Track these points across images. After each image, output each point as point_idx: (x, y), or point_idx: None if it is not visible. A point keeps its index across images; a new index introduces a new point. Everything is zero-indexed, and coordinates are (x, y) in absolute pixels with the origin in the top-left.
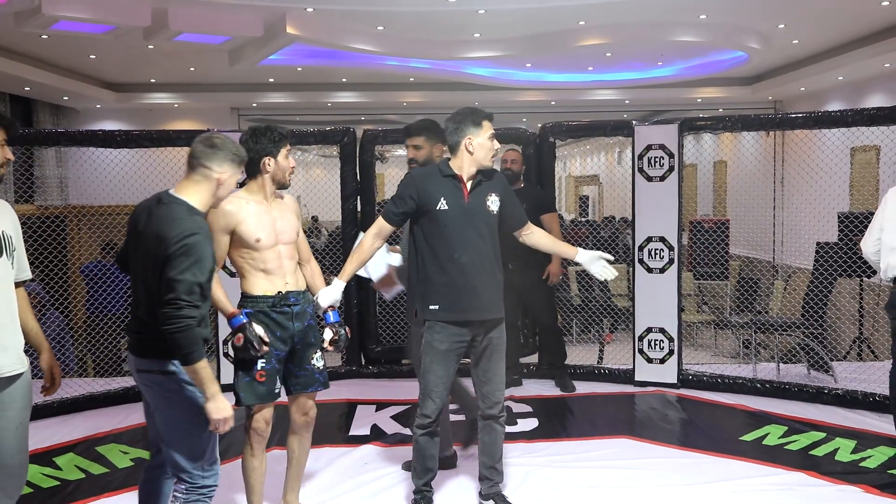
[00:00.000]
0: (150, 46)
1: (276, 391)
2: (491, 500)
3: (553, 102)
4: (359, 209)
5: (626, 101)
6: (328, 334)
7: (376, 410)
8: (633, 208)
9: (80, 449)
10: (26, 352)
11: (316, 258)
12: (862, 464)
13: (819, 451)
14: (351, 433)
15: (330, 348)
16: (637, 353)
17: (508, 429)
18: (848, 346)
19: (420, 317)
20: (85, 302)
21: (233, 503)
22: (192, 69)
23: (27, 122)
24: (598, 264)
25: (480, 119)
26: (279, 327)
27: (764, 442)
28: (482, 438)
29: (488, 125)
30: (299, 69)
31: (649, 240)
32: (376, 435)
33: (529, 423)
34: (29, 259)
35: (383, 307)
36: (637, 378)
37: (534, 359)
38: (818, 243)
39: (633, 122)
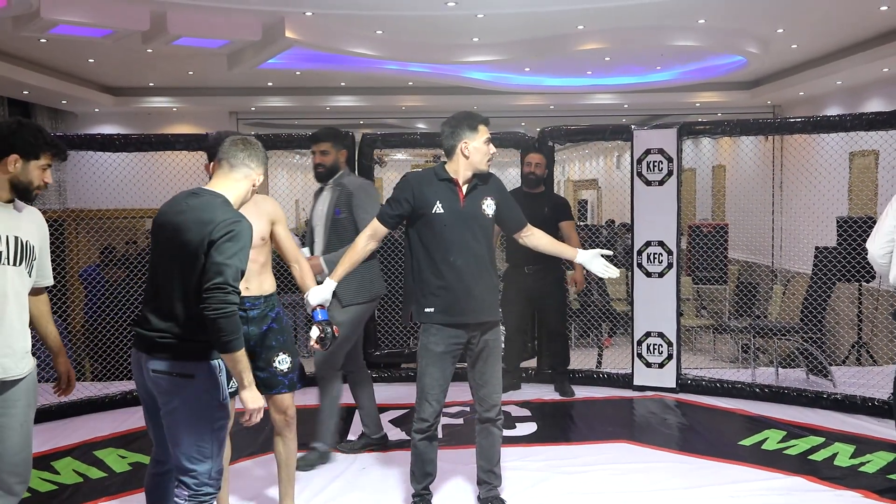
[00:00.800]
0: (149, 50)
1: (230, 390)
2: None
3: (552, 106)
4: None
5: (625, 106)
6: (315, 332)
7: None
8: (631, 212)
9: (77, 453)
10: (33, 354)
11: None
12: (861, 469)
13: (818, 456)
14: (349, 438)
15: (316, 346)
16: (636, 358)
17: (507, 433)
18: (847, 350)
19: (415, 319)
20: (83, 307)
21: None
22: (190, 73)
23: None
24: (598, 262)
25: (476, 123)
26: None
27: (763, 446)
28: (480, 442)
29: (484, 129)
30: (298, 73)
31: (648, 244)
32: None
33: (528, 428)
34: None
35: (382, 312)
36: (636, 382)
37: (532, 363)
38: (817, 248)
39: (632, 127)
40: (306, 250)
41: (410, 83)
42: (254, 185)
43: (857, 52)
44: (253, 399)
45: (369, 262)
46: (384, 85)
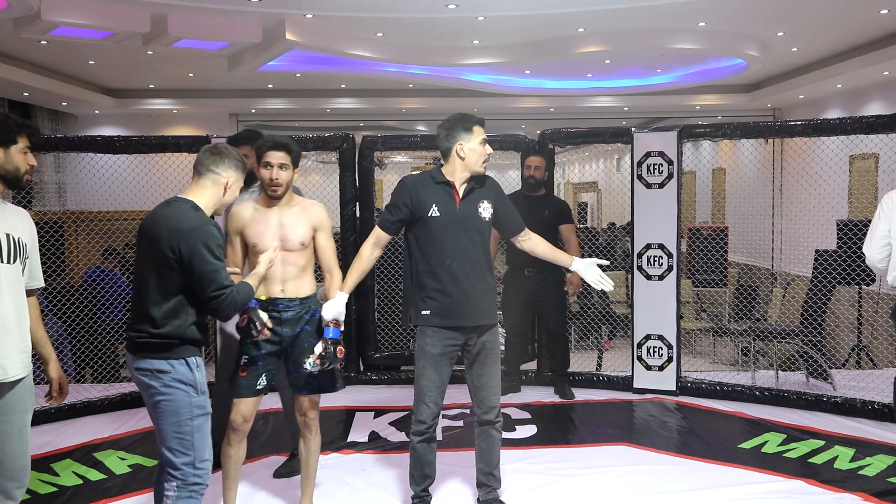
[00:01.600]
0: (150, 52)
1: (259, 388)
2: None
3: (552, 109)
4: (357, 215)
5: (625, 108)
6: (318, 348)
7: (374, 417)
8: (632, 215)
9: (77, 455)
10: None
11: None
12: (861, 472)
13: (818, 459)
14: (349, 440)
15: (317, 362)
16: (636, 361)
17: (507, 435)
18: (847, 353)
19: (413, 322)
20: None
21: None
22: (191, 75)
23: None
24: (593, 272)
25: (471, 124)
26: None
27: (763, 449)
28: (479, 444)
29: (479, 130)
30: (298, 75)
31: (648, 247)
32: (374, 441)
33: (528, 430)
34: None
35: (382, 314)
36: (636, 385)
37: (532, 366)
38: (817, 251)
39: (633, 129)
40: None
41: (410, 85)
42: (226, 188)
43: (858, 56)
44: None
45: None
46: (384, 87)
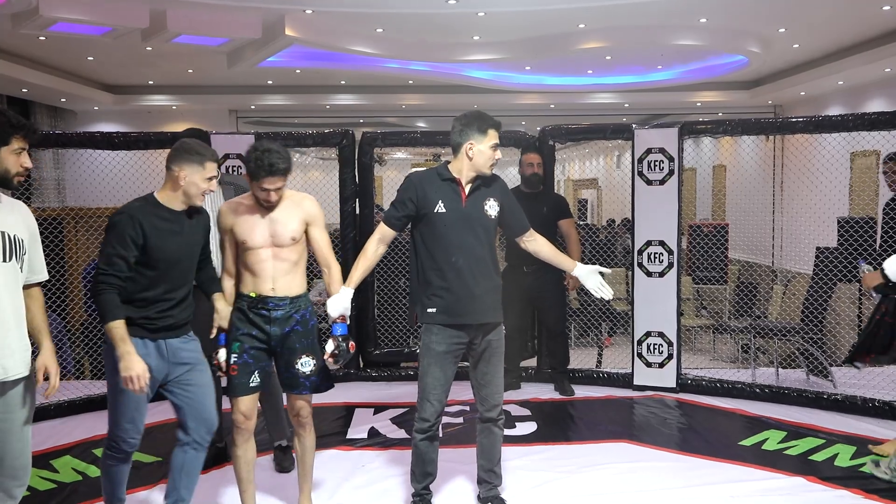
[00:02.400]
0: (149, 48)
1: (252, 385)
2: (489, 503)
3: (552, 105)
4: (357, 211)
5: (626, 105)
6: (330, 346)
7: (374, 413)
8: (632, 212)
9: (77, 451)
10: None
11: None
12: (861, 469)
13: (818, 457)
14: (349, 436)
15: (329, 360)
16: (636, 357)
17: (507, 432)
18: (847, 351)
19: (419, 320)
20: (83, 304)
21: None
22: (190, 71)
23: None
24: (594, 279)
25: (486, 127)
26: (255, 327)
27: (763, 447)
28: (480, 441)
29: (494, 134)
30: (298, 71)
31: (649, 243)
32: (374, 438)
33: (528, 427)
34: None
35: (382, 311)
36: (636, 382)
37: (532, 362)
38: (818, 248)
39: (633, 126)
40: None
41: (411, 81)
42: (180, 181)
43: (859, 52)
44: (125, 368)
45: None
46: (384, 83)
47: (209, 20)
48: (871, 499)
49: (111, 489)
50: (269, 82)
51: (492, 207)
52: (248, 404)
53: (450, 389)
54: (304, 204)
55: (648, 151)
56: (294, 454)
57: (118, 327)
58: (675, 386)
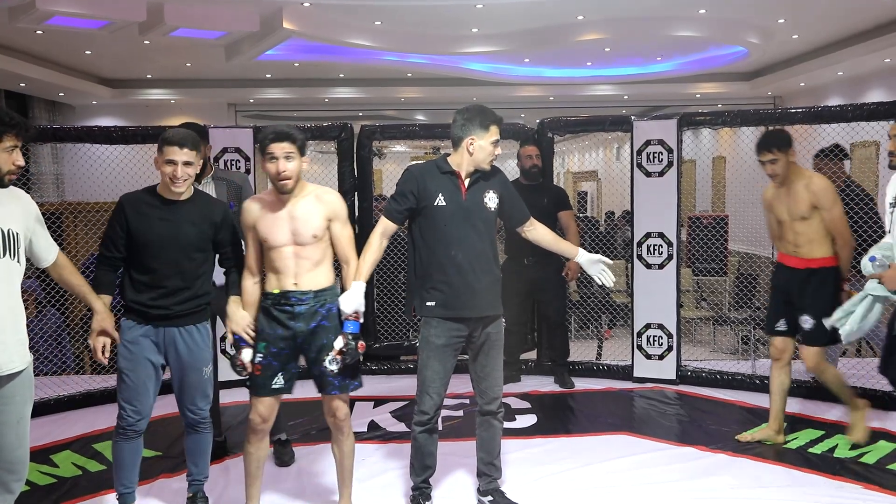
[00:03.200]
0: (146, 42)
1: (275, 386)
2: (489, 496)
3: (551, 98)
4: (356, 205)
5: (625, 97)
6: (339, 343)
7: (374, 407)
8: (631, 204)
9: (77, 446)
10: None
11: None
12: (861, 459)
13: (818, 448)
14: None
15: (337, 357)
16: (636, 350)
17: (507, 425)
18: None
19: (417, 313)
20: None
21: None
22: (188, 65)
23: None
24: (597, 267)
25: (488, 122)
26: (280, 325)
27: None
28: (480, 434)
29: (495, 130)
30: (296, 64)
31: (648, 235)
32: (374, 431)
33: (528, 420)
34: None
35: (381, 305)
36: (636, 374)
37: (532, 355)
38: None
39: (632, 118)
40: None
41: (409, 74)
42: (160, 170)
43: (859, 43)
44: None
45: None
46: (383, 76)
47: (206, 13)
48: (871, 489)
49: (115, 470)
50: (268, 76)
51: (491, 200)
52: (267, 405)
53: (449, 382)
54: (328, 198)
55: (647, 143)
56: (333, 455)
57: (100, 299)
58: (674, 378)
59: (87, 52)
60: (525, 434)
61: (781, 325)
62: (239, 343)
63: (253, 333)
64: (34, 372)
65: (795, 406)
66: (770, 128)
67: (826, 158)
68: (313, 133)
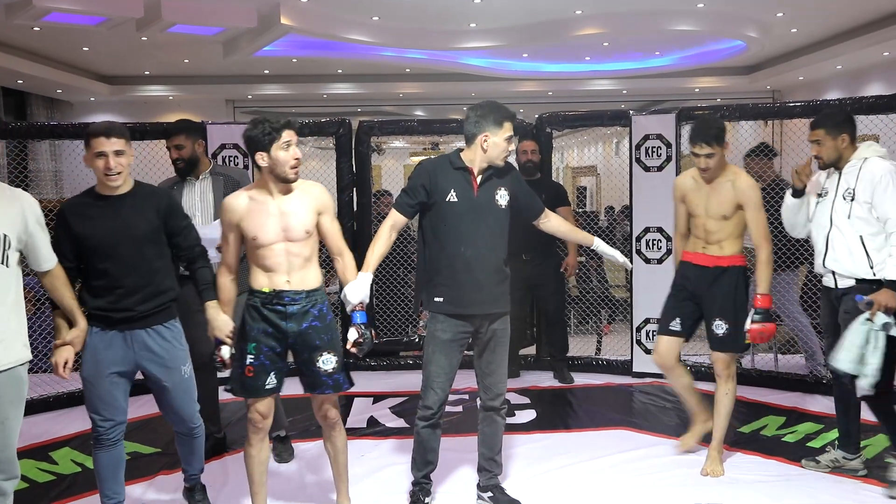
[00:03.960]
0: (144, 38)
1: (268, 386)
2: (489, 492)
3: (550, 93)
4: (354, 200)
5: (624, 91)
6: (353, 334)
7: (373, 403)
8: (630, 199)
9: (75, 443)
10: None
11: None
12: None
13: (816, 442)
14: (348, 426)
15: (353, 350)
16: (635, 344)
17: (507, 420)
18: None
19: (425, 308)
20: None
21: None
22: (186, 61)
23: (21, 116)
24: (612, 252)
25: (502, 119)
26: (270, 325)
27: (762, 433)
28: (482, 430)
29: (509, 126)
30: (294, 60)
31: (647, 230)
32: (373, 427)
33: (528, 415)
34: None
35: (381, 300)
36: (635, 369)
37: (531, 350)
38: None
39: (631, 112)
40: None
41: (407, 70)
42: (92, 167)
43: (858, 36)
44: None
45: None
46: (381, 72)
47: (204, 10)
48: (869, 483)
49: (98, 481)
50: (266, 72)
51: (503, 197)
52: (265, 405)
53: (454, 378)
54: (315, 191)
55: (646, 138)
56: (327, 452)
57: (84, 318)
58: None
59: (85, 49)
60: (525, 429)
61: (675, 325)
62: (217, 341)
63: (232, 336)
64: (32, 370)
65: (794, 400)
66: (704, 116)
67: (756, 157)
68: (311, 129)
